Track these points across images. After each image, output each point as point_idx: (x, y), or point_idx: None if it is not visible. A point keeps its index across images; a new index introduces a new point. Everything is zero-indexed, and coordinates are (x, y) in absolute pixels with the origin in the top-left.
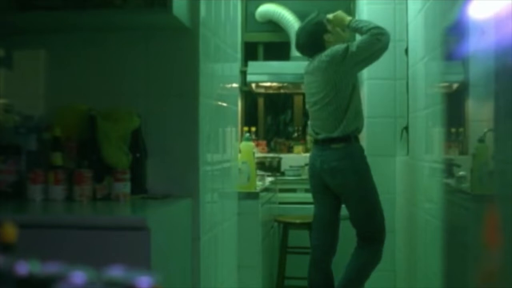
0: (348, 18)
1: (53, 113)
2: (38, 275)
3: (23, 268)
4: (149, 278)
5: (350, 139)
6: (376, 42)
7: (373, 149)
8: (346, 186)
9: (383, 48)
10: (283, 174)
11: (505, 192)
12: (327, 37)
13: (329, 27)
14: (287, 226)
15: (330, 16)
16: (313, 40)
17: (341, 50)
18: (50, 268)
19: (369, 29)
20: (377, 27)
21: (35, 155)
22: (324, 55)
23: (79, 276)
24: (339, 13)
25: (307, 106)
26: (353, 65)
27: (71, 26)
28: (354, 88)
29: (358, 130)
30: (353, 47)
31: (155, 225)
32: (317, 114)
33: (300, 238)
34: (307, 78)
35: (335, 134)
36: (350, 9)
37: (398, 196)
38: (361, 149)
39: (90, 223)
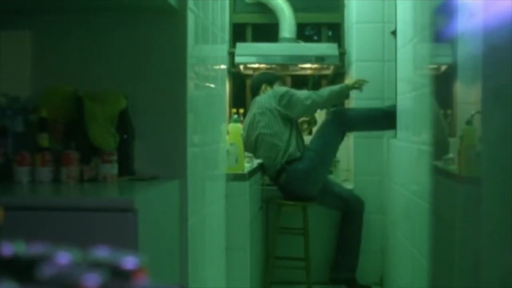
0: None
1: (39, 95)
2: (23, 255)
3: (8, 249)
4: (135, 258)
5: None
6: None
7: None
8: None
9: None
10: None
11: (492, 174)
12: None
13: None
14: (280, 207)
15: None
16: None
17: None
18: (35, 248)
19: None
20: None
21: (22, 136)
22: None
23: (63, 256)
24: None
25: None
26: None
27: (58, 7)
28: None
29: None
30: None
31: (142, 207)
32: None
33: (292, 219)
34: None
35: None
36: None
37: (386, 178)
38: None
39: (77, 205)
